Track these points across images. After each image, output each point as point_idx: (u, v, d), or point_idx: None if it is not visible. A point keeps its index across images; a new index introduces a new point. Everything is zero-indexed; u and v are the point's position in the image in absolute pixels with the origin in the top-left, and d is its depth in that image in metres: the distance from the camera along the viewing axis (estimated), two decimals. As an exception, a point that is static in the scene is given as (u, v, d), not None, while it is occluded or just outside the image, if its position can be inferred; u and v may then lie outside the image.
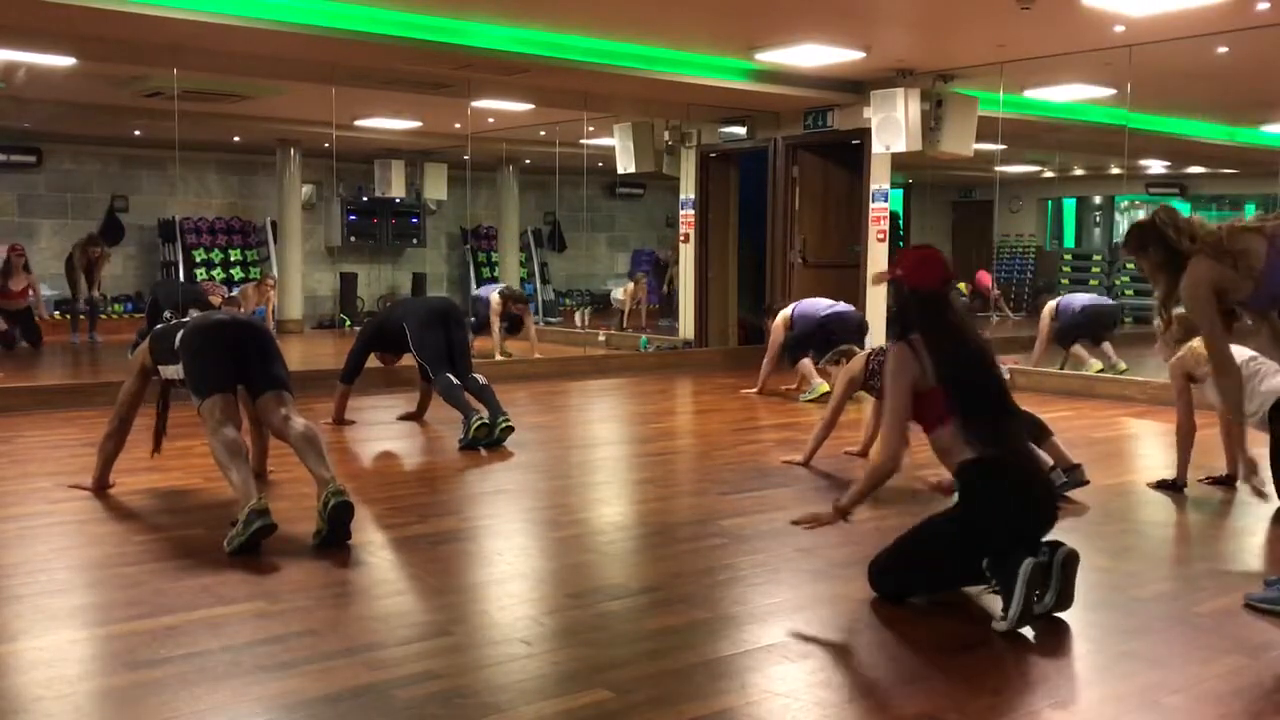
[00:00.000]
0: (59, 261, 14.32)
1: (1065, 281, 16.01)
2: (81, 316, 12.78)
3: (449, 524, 4.90)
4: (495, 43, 8.51)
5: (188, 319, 5.09)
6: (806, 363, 8.69)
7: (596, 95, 10.63)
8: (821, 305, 8.76)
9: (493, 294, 11.34)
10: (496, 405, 6.69)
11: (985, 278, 14.16)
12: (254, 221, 15.66)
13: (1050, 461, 5.30)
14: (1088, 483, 5.32)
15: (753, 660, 3.22)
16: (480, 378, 6.95)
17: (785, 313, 8.87)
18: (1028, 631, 3.42)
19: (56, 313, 13.38)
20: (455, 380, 6.76)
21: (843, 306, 8.77)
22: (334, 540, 4.34)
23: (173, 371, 4.90)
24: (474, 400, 6.74)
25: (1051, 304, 10.18)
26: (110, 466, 5.25)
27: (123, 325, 12.36)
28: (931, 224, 17.37)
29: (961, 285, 13.87)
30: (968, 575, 3.54)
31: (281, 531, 4.43)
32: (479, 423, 6.47)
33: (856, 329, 8.69)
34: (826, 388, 8.07)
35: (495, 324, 11.01)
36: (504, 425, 6.57)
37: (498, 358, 10.70)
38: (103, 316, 13.16)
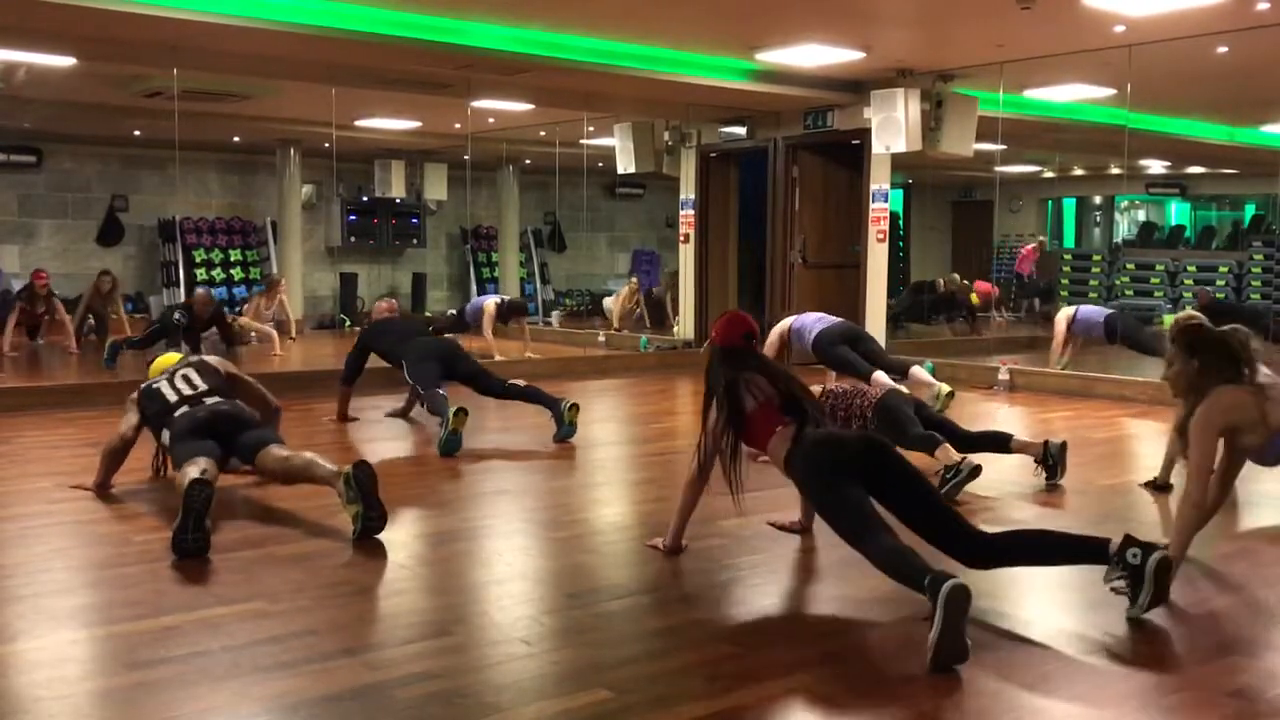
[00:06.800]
0: (59, 260, 14.33)
1: (1065, 282, 15.98)
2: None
3: (449, 524, 4.90)
4: (495, 43, 8.51)
5: (177, 372, 5.17)
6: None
7: (596, 95, 10.62)
8: (810, 320, 7.97)
9: (487, 301, 11.42)
10: (551, 398, 6.89)
11: (985, 286, 14.21)
12: (254, 221, 15.65)
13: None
14: (1064, 443, 5.55)
15: (752, 660, 3.22)
16: (520, 382, 7.12)
17: (782, 326, 7.98)
18: (1025, 632, 3.43)
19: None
20: (443, 392, 6.73)
21: (829, 320, 7.92)
22: (371, 519, 4.37)
23: (159, 433, 5.00)
24: (529, 404, 6.94)
25: (1069, 310, 10.16)
26: (112, 474, 5.25)
27: (125, 322, 12.28)
28: (931, 224, 17.33)
29: (974, 298, 14.15)
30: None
31: (281, 532, 4.44)
32: (457, 408, 6.41)
33: (842, 338, 7.77)
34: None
35: (488, 329, 11.16)
36: (570, 405, 6.77)
37: (496, 357, 10.73)
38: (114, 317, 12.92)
